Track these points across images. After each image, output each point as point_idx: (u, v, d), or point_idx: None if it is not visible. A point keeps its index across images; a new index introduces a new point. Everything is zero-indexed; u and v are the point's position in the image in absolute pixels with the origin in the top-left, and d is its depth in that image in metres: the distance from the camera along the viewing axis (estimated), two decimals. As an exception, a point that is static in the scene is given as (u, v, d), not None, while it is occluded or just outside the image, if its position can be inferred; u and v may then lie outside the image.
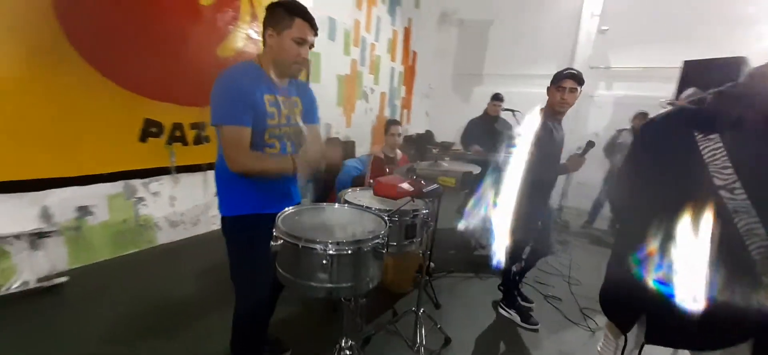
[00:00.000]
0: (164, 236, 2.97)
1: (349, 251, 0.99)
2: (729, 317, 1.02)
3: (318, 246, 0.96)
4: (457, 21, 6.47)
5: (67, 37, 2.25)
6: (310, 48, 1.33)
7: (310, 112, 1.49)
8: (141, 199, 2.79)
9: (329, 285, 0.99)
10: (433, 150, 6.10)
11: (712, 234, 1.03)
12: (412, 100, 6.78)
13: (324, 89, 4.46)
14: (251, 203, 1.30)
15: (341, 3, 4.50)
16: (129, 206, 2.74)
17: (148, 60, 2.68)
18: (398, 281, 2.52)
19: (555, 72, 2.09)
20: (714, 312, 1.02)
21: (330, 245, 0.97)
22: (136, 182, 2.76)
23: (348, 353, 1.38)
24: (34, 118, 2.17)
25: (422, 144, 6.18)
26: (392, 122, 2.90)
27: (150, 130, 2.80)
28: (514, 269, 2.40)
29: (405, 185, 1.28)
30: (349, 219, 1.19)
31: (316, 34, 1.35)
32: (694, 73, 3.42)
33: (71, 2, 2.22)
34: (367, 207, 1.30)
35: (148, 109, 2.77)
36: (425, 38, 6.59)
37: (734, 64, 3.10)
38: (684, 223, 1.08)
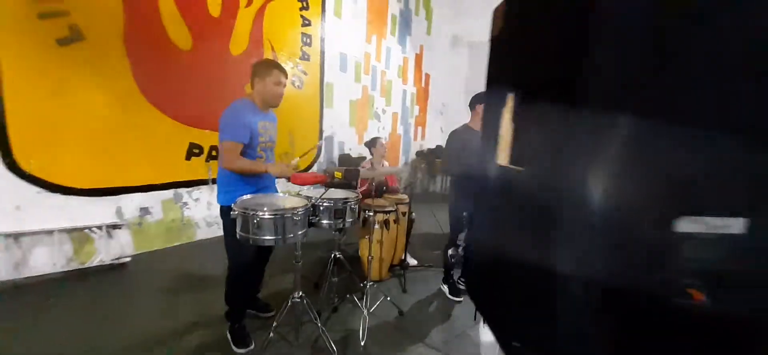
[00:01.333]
0: (202, 233, 3.78)
1: (273, 217, 1.56)
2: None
3: (251, 213, 1.55)
4: (467, 43, 6.92)
5: (138, 86, 3.17)
6: (283, 87, 1.99)
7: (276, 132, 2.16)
8: (186, 204, 3.63)
9: (264, 237, 1.57)
10: (440, 162, 6.50)
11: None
12: (427, 118, 7.28)
13: (336, 113, 5.16)
14: (237, 196, 1.92)
15: (351, 40, 5.22)
16: (177, 209, 3.59)
17: (193, 98, 3.59)
18: (376, 270, 3.00)
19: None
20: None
21: (261, 212, 1.55)
22: (183, 191, 3.61)
23: (297, 300, 1.93)
24: (114, 145, 3.08)
25: (432, 158, 6.63)
26: (376, 139, 3.44)
27: (193, 151, 3.66)
28: (450, 252, 2.80)
29: (310, 177, 1.84)
30: (285, 201, 1.76)
31: (287, 78, 2.00)
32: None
33: (143, 62, 3.16)
34: (306, 195, 1.86)
35: (192, 135, 3.64)
36: (438, 60, 7.11)
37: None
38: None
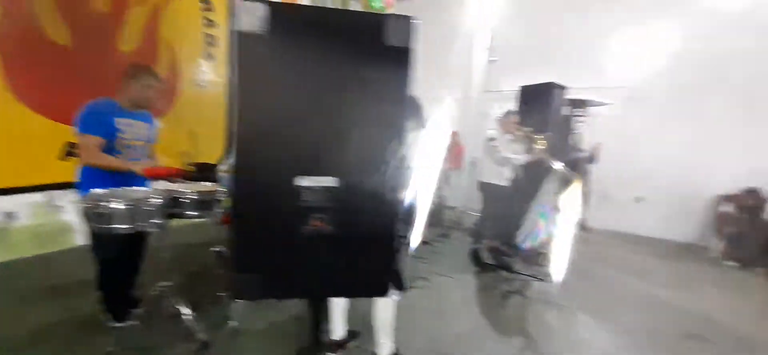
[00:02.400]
0: (81, 239, 3.56)
1: (123, 206, 1.68)
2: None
3: (101, 204, 1.66)
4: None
5: (7, 84, 2.95)
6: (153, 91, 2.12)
7: (154, 133, 2.25)
8: (61, 207, 3.41)
9: (115, 226, 1.68)
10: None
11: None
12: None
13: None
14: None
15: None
16: (49, 213, 3.35)
17: (73, 95, 3.38)
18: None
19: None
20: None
21: (107, 202, 1.67)
22: (58, 193, 3.38)
23: (164, 288, 2.05)
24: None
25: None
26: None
27: (71, 150, 3.46)
28: None
29: (163, 171, 2.01)
30: (145, 194, 1.88)
31: (157, 81, 2.11)
32: (526, 94, 4.31)
33: (13, 58, 2.95)
34: (164, 190, 1.99)
35: (70, 134, 3.43)
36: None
37: (548, 87, 4.00)
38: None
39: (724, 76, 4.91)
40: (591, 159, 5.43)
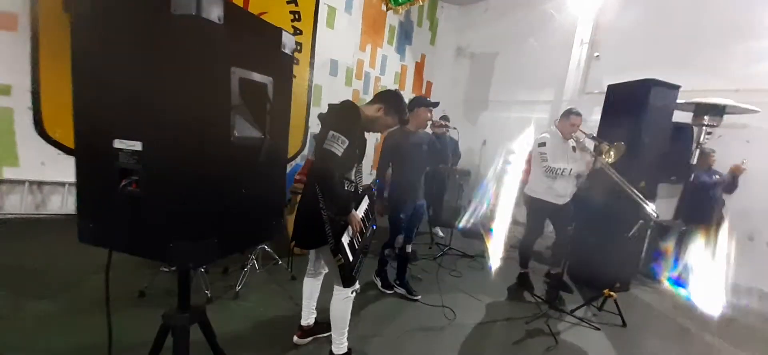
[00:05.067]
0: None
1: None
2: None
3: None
4: (469, 54, 7.06)
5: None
6: None
7: None
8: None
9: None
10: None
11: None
12: (425, 125, 7.52)
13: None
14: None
15: (343, 47, 5.75)
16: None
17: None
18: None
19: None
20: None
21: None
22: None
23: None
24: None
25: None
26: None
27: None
28: (386, 251, 3.00)
29: None
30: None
31: None
32: (614, 94, 3.48)
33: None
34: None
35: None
36: (441, 70, 7.34)
37: (643, 85, 3.19)
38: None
39: None
40: (730, 186, 4.01)
